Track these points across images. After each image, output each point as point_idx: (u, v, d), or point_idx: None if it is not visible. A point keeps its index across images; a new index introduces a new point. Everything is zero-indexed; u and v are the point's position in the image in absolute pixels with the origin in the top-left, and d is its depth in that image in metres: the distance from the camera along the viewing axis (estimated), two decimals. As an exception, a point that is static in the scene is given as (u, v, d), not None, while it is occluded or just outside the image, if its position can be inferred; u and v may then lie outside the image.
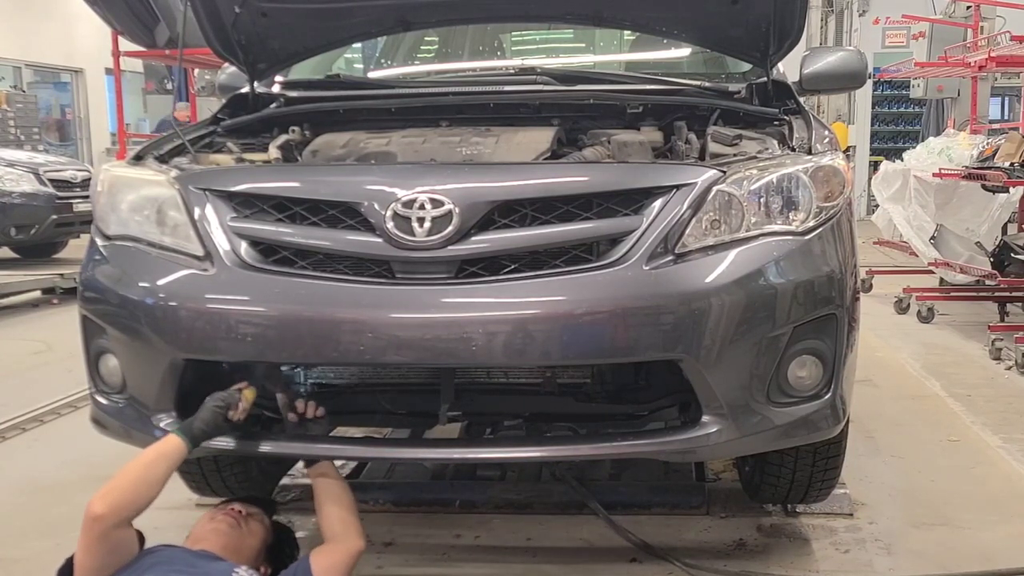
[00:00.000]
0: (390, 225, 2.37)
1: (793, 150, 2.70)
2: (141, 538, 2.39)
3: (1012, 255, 6.40)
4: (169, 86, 14.59)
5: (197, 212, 2.52)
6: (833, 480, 3.06)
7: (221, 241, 2.47)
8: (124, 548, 2.29)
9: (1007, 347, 5.58)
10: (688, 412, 2.56)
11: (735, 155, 2.70)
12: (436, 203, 2.37)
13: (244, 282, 2.43)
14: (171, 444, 2.39)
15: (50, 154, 12.28)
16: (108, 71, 15.43)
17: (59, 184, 9.31)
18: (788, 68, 3.40)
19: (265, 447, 2.67)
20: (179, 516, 3.17)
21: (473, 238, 2.38)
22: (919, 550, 3.05)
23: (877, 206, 8.24)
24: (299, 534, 2.86)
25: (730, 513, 3.29)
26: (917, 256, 7.43)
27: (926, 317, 6.79)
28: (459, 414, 2.73)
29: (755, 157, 2.65)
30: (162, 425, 2.53)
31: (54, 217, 9.14)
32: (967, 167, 6.65)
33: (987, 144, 6.93)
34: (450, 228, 2.36)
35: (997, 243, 6.64)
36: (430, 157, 2.76)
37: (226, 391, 2.51)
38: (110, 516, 2.22)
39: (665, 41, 3.84)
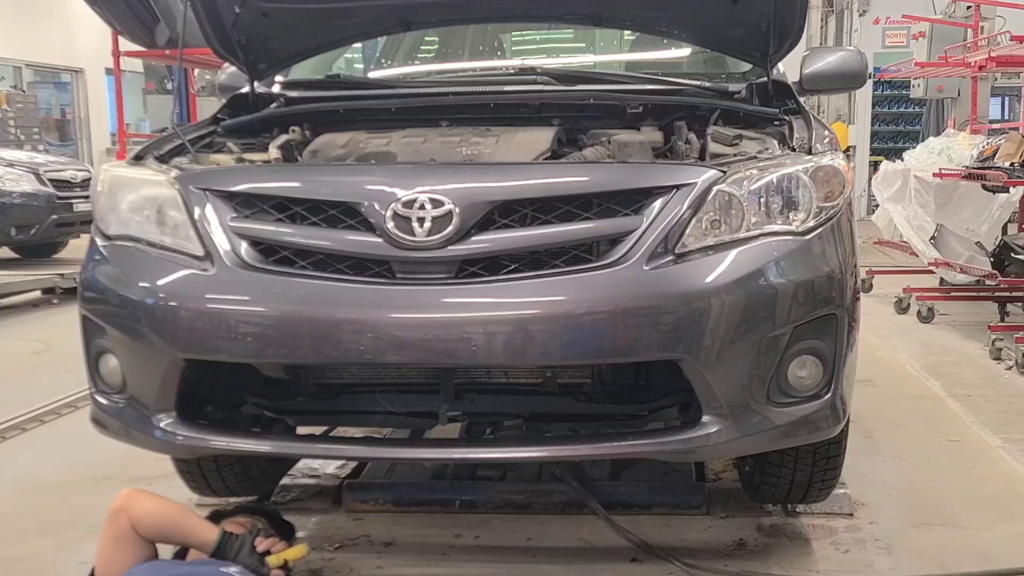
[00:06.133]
0: (390, 225, 2.37)
1: (793, 150, 2.70)
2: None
3: (1012, 255, 6.41)
4: (169, 86, 14.60)
5: (197, 212, 2.51)
6: (833, 480, 3.06)
7: (221, 241, 2.47)
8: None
9: (1007, 347, 5.58)
10: (688, 412, 2.56)
11: (735, 155, 2.70)
12: (436, 203, 2.37)
13: (244, 282, 2.43)
14: (209, 532, 2.49)
15: (50, 154, 12.27)
16: (108, 71, 15.43)
17: (59, 184, 9.30)
18: (788, 68, 3.40)
19: (265, 447, 2.68)
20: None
21: (473, 238, 2.38)
22: (919, 550, 3.05)
23: (877, 206, 8.24)
24: (299, 534, 2.86)
25: (730, 513, 3.28)
26: (917, 256, 7.42)
27: (926, 317, 6.79)
28: (459, 414, 2.73)
29: (755, 157, 2.65)
30: (162, 425, 2.53)
31: (54, 217, 9.14)
32: (967, 167, 6.65)
33: (987, 144, 6.92)
34: (450, 228, 2.36)
35: (997, 243, 6.64)
36: (430, 157, 2.76)
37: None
38: (124, 515, 2.40)
39: (665, 41, 3.85)
